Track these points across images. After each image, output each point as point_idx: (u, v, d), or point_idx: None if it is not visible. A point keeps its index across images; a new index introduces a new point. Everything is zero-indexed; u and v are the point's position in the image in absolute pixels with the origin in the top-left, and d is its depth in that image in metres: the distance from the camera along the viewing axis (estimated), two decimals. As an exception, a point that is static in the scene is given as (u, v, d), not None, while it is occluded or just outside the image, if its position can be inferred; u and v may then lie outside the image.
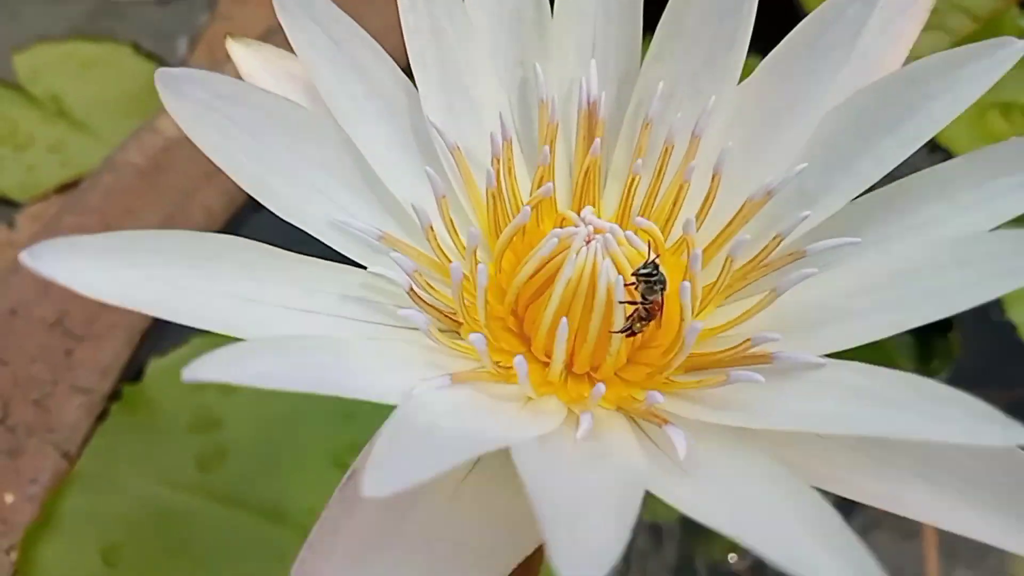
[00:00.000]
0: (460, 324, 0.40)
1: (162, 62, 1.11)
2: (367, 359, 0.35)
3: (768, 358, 0.36)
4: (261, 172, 0.38)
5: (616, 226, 0.39)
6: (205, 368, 0.30)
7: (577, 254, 0.38)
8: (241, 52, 0.45)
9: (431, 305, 0.39)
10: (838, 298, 0.36)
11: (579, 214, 0.40)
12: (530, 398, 0.38)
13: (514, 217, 0.42)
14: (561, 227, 0.39)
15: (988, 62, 0.37)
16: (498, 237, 0.42)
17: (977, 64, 0.38)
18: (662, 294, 0.38)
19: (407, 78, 0.42)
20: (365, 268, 0.40)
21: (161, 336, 0.79)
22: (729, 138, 0.42)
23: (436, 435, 0.30)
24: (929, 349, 0.80)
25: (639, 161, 0.43)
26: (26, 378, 0.75)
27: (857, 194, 0.39)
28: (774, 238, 0.39)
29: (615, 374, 0.40)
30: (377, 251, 0.40)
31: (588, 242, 0.39)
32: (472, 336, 0.36)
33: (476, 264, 0.38)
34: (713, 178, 0.41)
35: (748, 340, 0.37)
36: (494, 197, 0.42)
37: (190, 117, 0.37)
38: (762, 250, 0.40)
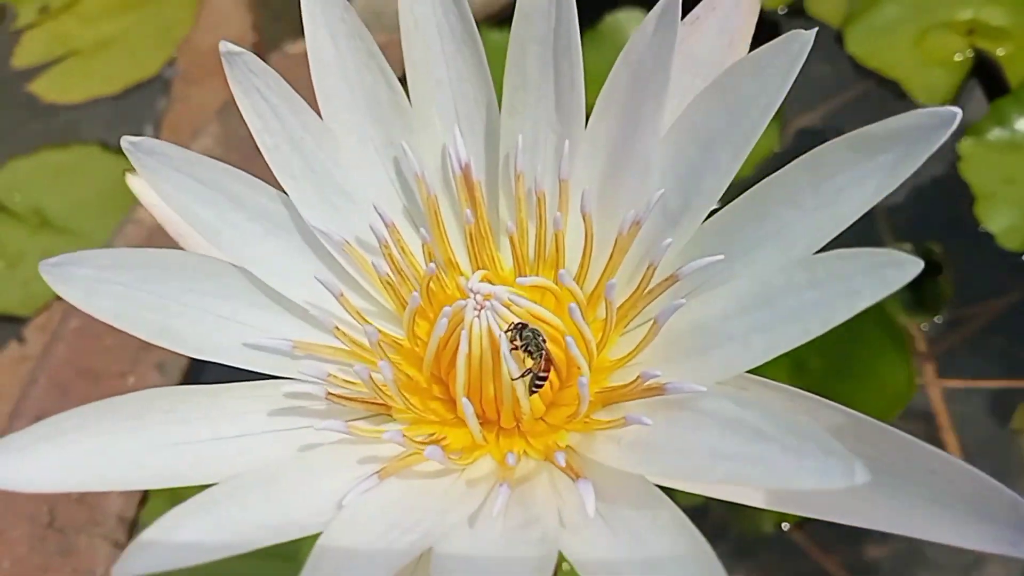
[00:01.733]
0: (387, 408, 0.43)
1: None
2: (298, 482, 0.38)
3: (661, 389, 0.38)
4: (161, 319, 0.41)
5: (502, 289, 0.41)
6: (132, 563, 0.32)
7: (470, 328, 0.41)
8: (139, 184, 0.47)
9: (353, 399, 0.42)
10: (715, 321, 0.38)
11: (468, 281, 0.43)
12: (463, 469, 0.41)
13: (420, 268, 0.45)
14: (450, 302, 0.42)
15: (786, 57, 0.39)
16: (403, 307, 0.45)
17: (776, 60, 0.39)
18: (544, 347, 0.40)
19: (283, 192, 0.44)
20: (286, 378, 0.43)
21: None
22: (590, 177, 0.44)
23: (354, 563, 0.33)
24: (921, 294, 0.81)
25: (517, 219, 0.45)
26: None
27: (708, 208, 0.41)
28: (648, 267, 0.41)
29: (541, 419, 0.43)
30: (295, 357, 0.43)
31: (480, 309, 0.41)
32: (386, 435, 0.39)
33: (379, 359, 0.41)
34: (584, 218, 0.43)
35: (639, 377, 0.39)
36: (390, 282, 0.44)
37: (80, 293, 0.39)
38: (641, 280, 0.42)
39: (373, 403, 0.43)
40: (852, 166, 0.37)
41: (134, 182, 0.48)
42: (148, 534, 0.34)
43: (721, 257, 0.40)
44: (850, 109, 0.94)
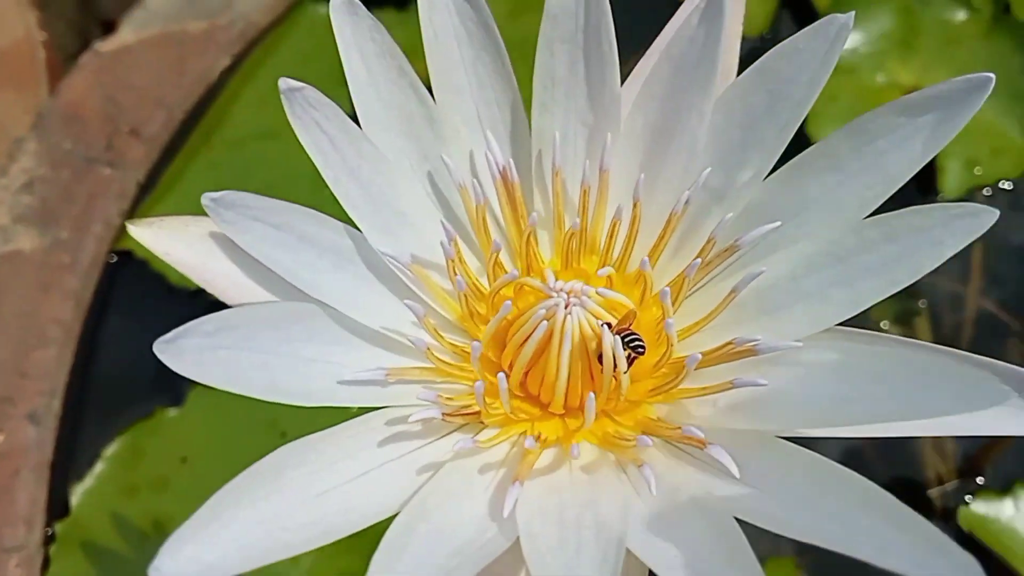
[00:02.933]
0: (477, 413, 0.44)
1: None
2: (447, 507, 0.40)
3: (752, 351, 0.43)
4: (267, 377, 0.40)
5: (584, 285, 0.44)
6: None
7: (564, 325, 0.43)
8: (146, 234, 0.44)
9: (455, 415, 0.43)
10: (785, 282, 0.43)
11: (537, 279, 0.45)
12: (571, 459, 0.43)
13: (475, 296, 0.46)
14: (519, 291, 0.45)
15: (824, 40, 0.44)
16: (471, 318, 0.46)
17: (816, 43, 0.44)
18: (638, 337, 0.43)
19: (346, 224, 0.44)
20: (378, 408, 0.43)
21: (72, 461, 0.77)
22: (628, 167, 0.47)
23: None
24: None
25: (556, 214, 0.48)
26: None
27: (758, 182, 0.45)
28: (708, 240, 0.45)
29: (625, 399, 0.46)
30: (385, 385, 0.43)
31: (567, 306, 0.43)
32: (528, 443, 0.41)
33: (495, 373, 0.42)
34: (635, 205, 0.46)
35: (731, 342, 0.43)
36: (465, 295, 0.45)
37: (193, 366, 0.38)
38: (700, 252, 0.46)
39: (469, 414, 0.44)
40: (893, 130, 0.42)
41: (138, 232, 0.45)
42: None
43: (779, 224, 0.44)
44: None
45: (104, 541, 0.73)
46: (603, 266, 0.47)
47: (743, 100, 0.45)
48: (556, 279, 0.44)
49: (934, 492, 0.77)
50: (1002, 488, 0.75)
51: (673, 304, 0.46)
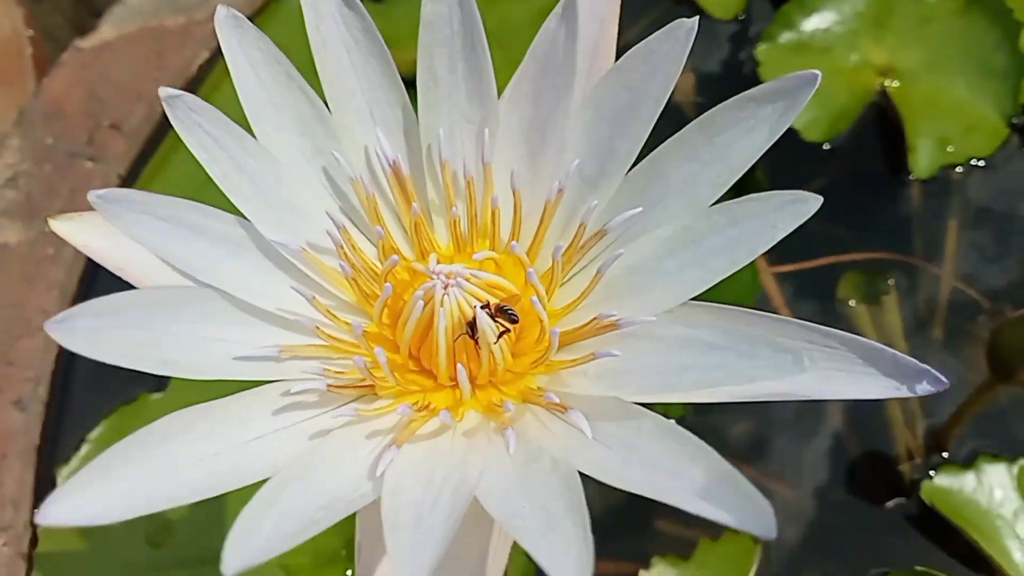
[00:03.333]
0: (372, 386, 0.48)
1: None
2: (327, 467, 0.43)
3: (614, 325, 0.46)
4: (158, 354, 0.44)
5: (462, 268, 0.48)
6: (233, 558, 0.37)
7: (443, 304, 0.47)
8: (67, 227, 0.49)
9: (346, 386, 0.47)
10: (650, 262, 0.47)
11: (423, 263, 0.49)
12: (455, 425, 0.47)
13: (371, 278, 0.50)
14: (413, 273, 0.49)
15: (675, 42, 0.47)
16: (367, 299, 0.50)
17: (667, 45, 0.47)
18: (511, 310, 0.47)
19: (240, 216, 0.48)
20: (271, 382, 0.47)
21: (57, 445, 0.81)
22: (509, 158, 0.51)
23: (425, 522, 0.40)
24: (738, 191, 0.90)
25: (447, 203, 0.51)
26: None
27: (623, 171, 0.49)
28: (580, 225, 0.49)
29: (507, 370, 0.50)
30: (279, 360, 0.48)
31: (446, 287, 0.47)
32: (399, 408, 0.45)
33: (374, 347, 0.46)
34: (515, 193, 0.50)
35: (595, 318, 0.47)
36: (354, 279, 0.49)
37: (87, 343, 0.42)
38: (574, 237, 0.49)
39: (362, 386, 0.48)
40: (738, 122, 0.46)
41: (60, 226, 0.49)
42: (236, 535, 0.38)
43: (640, 209, 0.48)
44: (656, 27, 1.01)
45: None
46: (489, 250, 0.51)
47: (609, 96, 0.49)
48: (438, 263, 0.48)
49: (904, 467, 0.80)
50: (965, 462, 0.77)
51: (550, 286, 0.49)
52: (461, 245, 0.52)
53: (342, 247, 0.49)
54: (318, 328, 0.48)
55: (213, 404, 0.44)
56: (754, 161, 0.46)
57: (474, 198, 0.51)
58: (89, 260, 0.84)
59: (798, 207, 0.43)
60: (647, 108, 0.48)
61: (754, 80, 0.93)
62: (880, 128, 0.95)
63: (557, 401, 0.45)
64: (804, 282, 0.90)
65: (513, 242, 0.49)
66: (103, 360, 0.42)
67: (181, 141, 0.87)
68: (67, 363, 0.84)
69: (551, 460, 0.43)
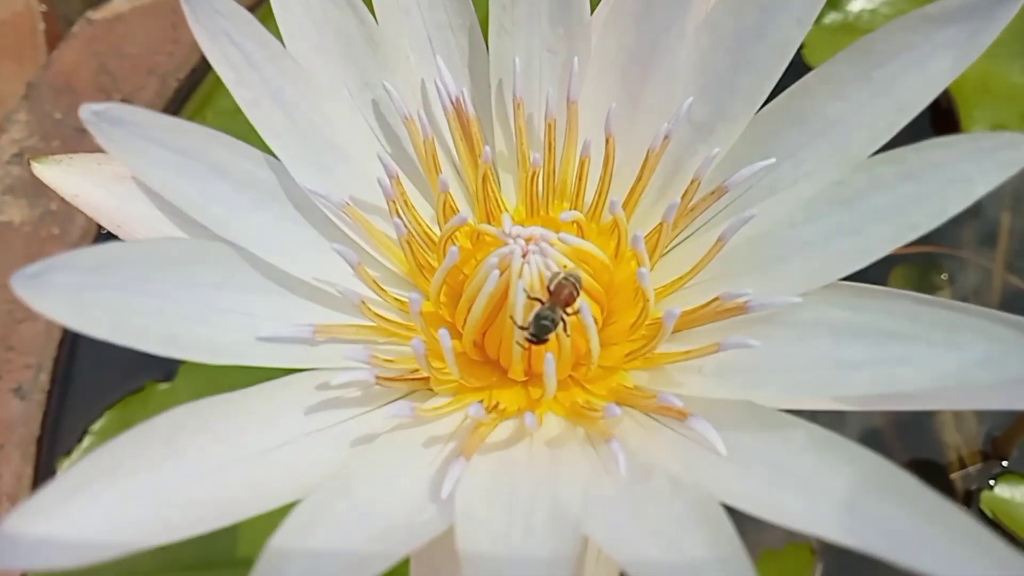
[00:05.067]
0: (426, 379, 0.38)
1: None
2: (376, 483, 0.33)
3: (742, 308, 0.36)
4: (167, 329, 0.34)
5: (544, 231, 0.37)
6: None
7: (521, 276, 0.37)
8: (54, 174, 0.38)
9: (394, 379, 0.37)
10: (783, 229, 0.37)
11: (495, 225, 0.39)
12: (531, 433, 0.37)
13: (427, 246, 0.40)
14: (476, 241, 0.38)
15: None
16: (420, 270, 0.40)
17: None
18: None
19: (267, 154, 0.38)
20: (302, 370, 0.37)
21: (57, 437, 0.75)
22: (600, 98, 0.41)
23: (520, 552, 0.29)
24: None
25: (519, 153, 0.41)
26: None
27: (750, 114, 0.39)
28: (692, 182, 0.39)
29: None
30: (314, 344, 0.37)
31: (524, 255, 0.37)
32: (471, 410, 0.35)
33: (435, 330, 0.36)
34: (608, 141, 0.40)
35: (717, 298, 0.37)
36: (408, 243, 0.39)
37: (66, 307, 0.31)
38: (683, 196, 0.39)
39: (414, 379, 0.38)
40: (907, 49, 0.36)
41: (46, 172, 0.39)
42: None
43: (773, 161, 0.38)
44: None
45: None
46: (575, 211, 0.40)
47: (733, 19, 0.39)
48: (514, 225, 0.38)
49: (956, 476, 0.71)
50: (1028, 472, 0.69)
51: (652, 255, 0.39)
52: (534, 208, 0.42)
53: (395, 202, 0.39)
54: (364, 304, 0.38)
55: (229, 397, 0.34)
56: (929, 101, 0.36)
57: (554, 147, 0.41)
58: (96, 239, 0.78)
59: (1005, 155, 0.33)
60: (783, 32, 0.38)
61: (799, 65, 0.87)
62: (932, 114, 0.87)
63: (676, 405, 0.35)
64: (852, 276, 0.82)
65: (612, 198, 0.39)
66: (87, 332, 0.31)
67: (194, 118, 0.80)
68: (70, 349, 0.78)
69: (668, 481, 0.33)
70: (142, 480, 0.30)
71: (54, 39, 0.95)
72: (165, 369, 0.74)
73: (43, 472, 0.72)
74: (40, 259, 0.70)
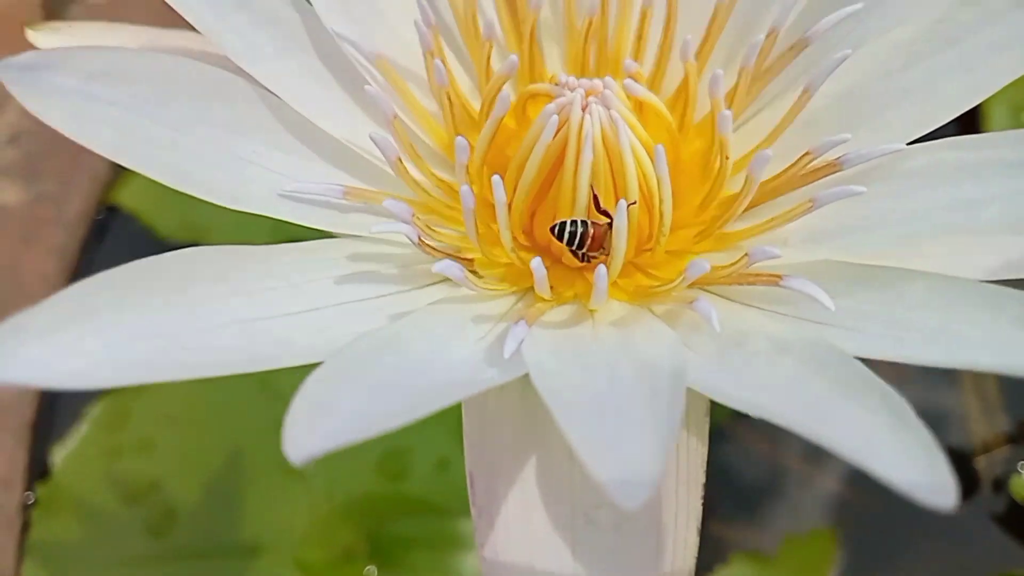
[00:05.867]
0: (471, 260, 0.33)
1: None
2: (425, 344, 0.28)
3: (835, 165, 0.32)
4: (176, 160, 0.28)
5: (608, 79, 0.33)
6: (303, 438, 0.22)
7: (583, 128, 0.32)
8: (51, 41, 0.33)
9: (440, 251, 0.32)
10: (878, 81, 0.33)
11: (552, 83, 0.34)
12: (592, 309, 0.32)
13: (467, 125, 0.35)
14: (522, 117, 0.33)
15: None
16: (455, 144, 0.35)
17: None
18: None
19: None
20: (331, 235, 0.32)
21: (52, 422, 0.72)
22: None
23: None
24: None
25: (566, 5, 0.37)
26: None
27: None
28: (769, 34, 0.34)
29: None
30: (343, 210, 0.32)
31: (584, 108, 0.32)
32: (533, 263, 0.30)
33: (480, 181, 0.31)
34: (672, -4, 0.36)
35: (807, 153, 0.32)
36: (448, 97, 0.34)
37: (67, 116, 0.26)
38: (761, 49, 0.35)
39: (460, 257, 0.33)
40: None
41: (41, 39, 0.34)
42: (307, 407, 0.22)
43: (860, 6, 0.33)
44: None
45: (87, 505, 0.69)
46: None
47: None
48: (570, 76, 0.33)
49: (981, 461, 0.68)
50: (1058, 456, 0.66)
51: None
52: (584, 73, 0.37)
53: (431, 52, 0.34)
54: (400, 163, 0.33)
55: (248, 250, 0.29)
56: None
57: (607, 5, 0.36)
58: (93, 222, 0.76)
59: None
60: None
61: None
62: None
63: (774, 255, 0.30)
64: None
65: (685, 40, 0.34)
66: (86, 144, 0.26)
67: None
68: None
69: (769, 341, 0.28)
70: (152, 321, 0.25)
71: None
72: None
73: (37, 458, 0.70)
74: (36, 242, 0.64)
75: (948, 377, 0.71)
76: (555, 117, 0.32)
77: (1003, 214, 0.28)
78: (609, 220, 0.31)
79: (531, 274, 0.32)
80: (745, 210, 0.33)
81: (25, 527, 0.67)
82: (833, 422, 0.24)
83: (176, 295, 0.26)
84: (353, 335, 0.28)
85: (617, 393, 0.25)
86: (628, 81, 0.33)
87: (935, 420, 0.67)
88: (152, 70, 0.28)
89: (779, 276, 0.30)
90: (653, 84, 0.37)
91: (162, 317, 0.25)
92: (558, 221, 0.32)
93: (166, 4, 0.94)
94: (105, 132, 0.27)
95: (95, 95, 0.27)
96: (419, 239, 0.31)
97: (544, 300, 0.32)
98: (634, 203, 0.32)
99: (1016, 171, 0.28)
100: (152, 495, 0.66)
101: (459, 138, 0.31)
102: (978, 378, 0.71)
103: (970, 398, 0.71)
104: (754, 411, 0.24)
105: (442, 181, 0.35)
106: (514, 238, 0.34)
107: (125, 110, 0.27)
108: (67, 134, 0.26)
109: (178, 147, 0.28)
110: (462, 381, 0.26)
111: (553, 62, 0.38)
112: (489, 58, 0.35)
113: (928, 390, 0.71)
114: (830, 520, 0.66)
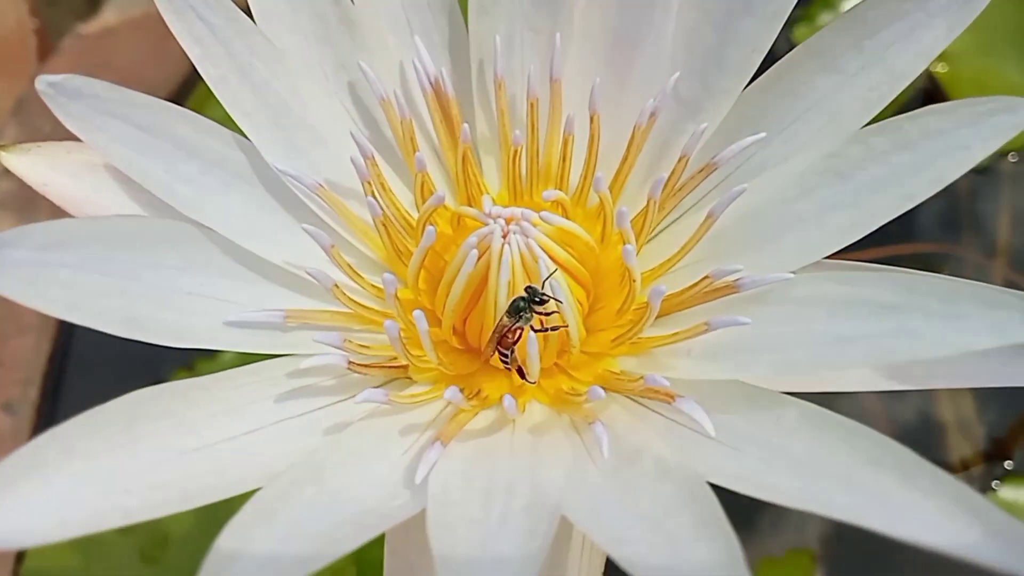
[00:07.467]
0: (404, 367, 0.37)
1: None
2: (348, 468, 0.32)
3: (733, 287, 0.35)
4: (129, 310, 0.32)
5: (525, 210, 0.36)
6: None
7: (501, 258, 0.35)
8: (22, 162, 0.37)
9: (370, 366, 0.36)
10: (773, 206, 0.35)
11: (475, 208, 0.37)
12: (514, 420, 0.36)
13: (405, 232, 0.39)
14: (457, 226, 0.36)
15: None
16: (399, 256, 0.38)
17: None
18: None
19: (235, 133, 0.36)
20: (277, 356, 0.36)
21: None
22: (589, 71, 0.39)
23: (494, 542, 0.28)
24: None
25: (501, 134, 0.40)
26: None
27: (738, 89, 0.38)
28: (680, 159, 0.38)
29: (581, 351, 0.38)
30: (285, 330, 0.36)
31: (505, 236, 0.36)
32: (448, 393, 0.33)
33: (409, 311, 0.34)
34: (592, 119, 0.39)
35: (707, 276, 0.35)
36: (384, 225, 0.37)
37: (22, 284, 0.30)
38: (671, 174, 0.38)
39: (392, 367, 0.36)
40: (900, 17, 0.35)
41: (13, 160, 0.38)
42: (217, 557, 0.26)
43: (763, 135, 0.36)
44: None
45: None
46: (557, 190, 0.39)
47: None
48: (495, 205, 0.37)
49: (959, 478, 0.70)
50: (1031, 472, 0.68)
51: (640, 237, 0.38)
52: (517, 192, 0.40)
53: (370, 183, 0.37)
54: (337, 288, 0.36)
55: (195, 382, 0.33)
56: (922, 70, 0.34)
57: (537, 127, 0.40)
58: None
59: (1001, 119, 0.31)
60: (772, 5, 0.37)
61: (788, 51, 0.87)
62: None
63: (663, 386, 0.33)
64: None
65: (597, 174, 0.37)
66: (44, 310, 0.30)
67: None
68: (59, 363, 0.77)
69: (656, 464, 0.32)
70: (100, 464, 0.29)
71: (46, 55, 0.95)
72: (154, 382, 0.72)
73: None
74: None
75: (927, 395, 0.73)
76: (474, 251, 0.35)
77: (867, 354, 0.31)
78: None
79: (461, 376, 0.36)
80: (658, 317, 0.36)
81: (20, 557, 0.68)
82: (685, 557, 0.27)
83: (120, 435, 0.30)
84: (286, 456, 0.32)
85: (502, 535, 0.28)
86: (545, 213, 0.36)
87: (912, 436, 0.71)
88: (103, 231, 0.32)
89: (672, 396, 0.33)
90: (581, 196, 0.40)
91: (110, 462, 0.29)
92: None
93: (154, 38, 0.96)
94: (58, 295, 0.30)
95: (47, 262, 0.30)
96: (348, 363, 0.34)
97: (464, 411, 0.35)
98: (551, 313, 0.35)
99: (885, 313, 0.31)
100: (146, 522, 0.69)
101: (386, 275, 0.35)
102: (955, 395, 0.73)
103: (948, 415, 0.72)
104: (621, 548, 0.28)
105: (381, 291, 0.38)
106: (445, 341, 0.37)
107: (75, 269, 0.31)
108: (20, 301, 0.29)
109: (127, 293, 0.32)
110: (377, 511, 0.30)
111: (491, 172, 0.41)
112: (423, 185, 0.38)
113: (907, 408, 0.72)
114: (808, 541, 0.67)
